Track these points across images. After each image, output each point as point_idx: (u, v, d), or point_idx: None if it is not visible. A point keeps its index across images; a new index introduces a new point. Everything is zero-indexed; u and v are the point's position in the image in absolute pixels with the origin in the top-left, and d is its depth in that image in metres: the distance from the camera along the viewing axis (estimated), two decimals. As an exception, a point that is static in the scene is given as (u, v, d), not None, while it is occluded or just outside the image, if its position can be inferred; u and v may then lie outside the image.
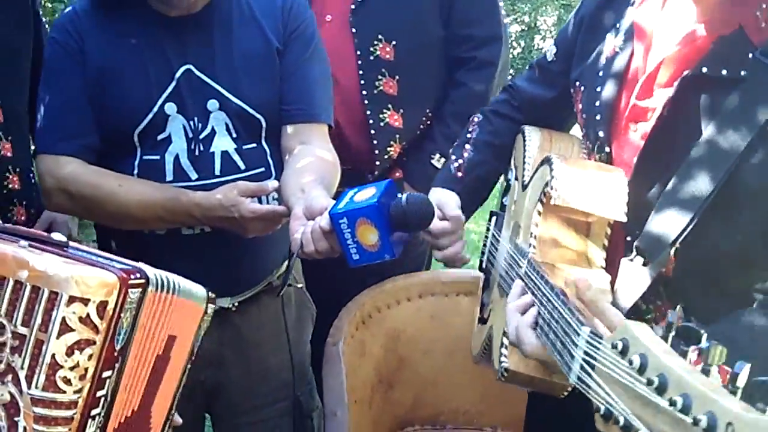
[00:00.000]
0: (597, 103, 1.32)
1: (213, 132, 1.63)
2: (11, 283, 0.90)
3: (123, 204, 1.59)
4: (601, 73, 1.33)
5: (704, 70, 1.15)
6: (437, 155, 2.22)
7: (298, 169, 1.61)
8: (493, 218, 1.64)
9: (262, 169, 1.67)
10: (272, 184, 1.60)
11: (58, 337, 0.90)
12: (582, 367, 0.89)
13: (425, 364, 1.16)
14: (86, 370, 0.92)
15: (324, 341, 1.90)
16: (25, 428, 0.89)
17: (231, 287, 1.70)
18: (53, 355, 0.90)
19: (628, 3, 1.32)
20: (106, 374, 0.95)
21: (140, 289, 0.98)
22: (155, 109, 1.60)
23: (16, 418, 0.89)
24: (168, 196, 1.58)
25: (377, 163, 2.18)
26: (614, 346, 0.78)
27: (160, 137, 1.61)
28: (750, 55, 1.12)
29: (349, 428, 1.70)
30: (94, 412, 0.94)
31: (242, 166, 1.64)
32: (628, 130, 1.25)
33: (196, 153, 1.63)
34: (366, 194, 1.37)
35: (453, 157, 1.63)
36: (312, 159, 1.64)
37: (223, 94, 1.63)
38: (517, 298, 1.16)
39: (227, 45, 1.65)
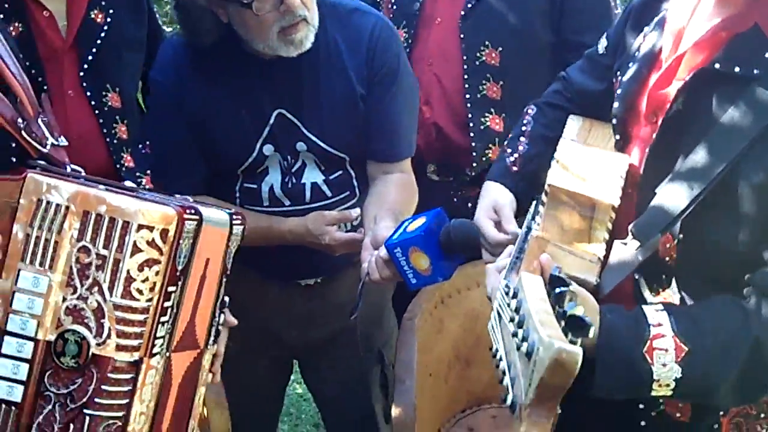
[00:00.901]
0: (619, 91, 1.37)
1: (303, 165, 1.83)
2: (93, 215, 1.14)
3: None
4: (630, 63, 1.37)
5: (717, 66, 1.18)
6: None
7: (375, 198, 1.80)
8: (533, 203, 1.65)
9: (348, 193, 1.87)
10: (355, 212, 1.80)
11: (131, 256, 1.13)
12: (494, 311, 1.05)
13: None
14: (154, 283, 1.15)
15: None
16: (109, 328, 1.13)
17: (315, 272, 1.93)
18: (128, 271, 1.13)
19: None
20: (171, 289, 1.17)
21: (195, 222, 1.20)
22: (255, 152, 1.80)
23: (102, 320, 1.13)
24: (264, 226, 1.81)
25: (474, 164, 2.26)
26: (507, 292, 0.94)
27: (259, 170, 1.82)
28: (766, 55, 1.14)
29: (415, 395, 1.85)
30: (162, 319, 1.17)
31: (329, 194, 1.85)
32: (645, 118, 1.30)
33: (289, 185, 1.83)
34: (416, 224, 1.54)
35: (508, 150, 1.65)
36: (389, 189, 1.82)
37: (310, 138, 1.79)
38: (500, 261, 1.28)
39: (315, 90, 1.78)
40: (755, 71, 1.15)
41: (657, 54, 1.32)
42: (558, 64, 2.20)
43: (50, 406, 1.14)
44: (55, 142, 1.27)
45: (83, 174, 1.25)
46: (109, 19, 2.10)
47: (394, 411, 1.86)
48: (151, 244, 1.14)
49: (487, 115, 2.26)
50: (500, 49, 2.21)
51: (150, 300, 1.15)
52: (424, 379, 1.97)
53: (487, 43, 2.21)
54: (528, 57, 2.23)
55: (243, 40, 1.73)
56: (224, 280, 1.38)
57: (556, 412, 0.90)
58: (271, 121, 1.78)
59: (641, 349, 1.11)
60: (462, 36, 2.22)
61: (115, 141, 2.10)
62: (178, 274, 1.18)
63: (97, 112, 2.06)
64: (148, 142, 2.10)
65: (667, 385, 1.11)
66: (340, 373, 2.08)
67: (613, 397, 1.18)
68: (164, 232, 1.14)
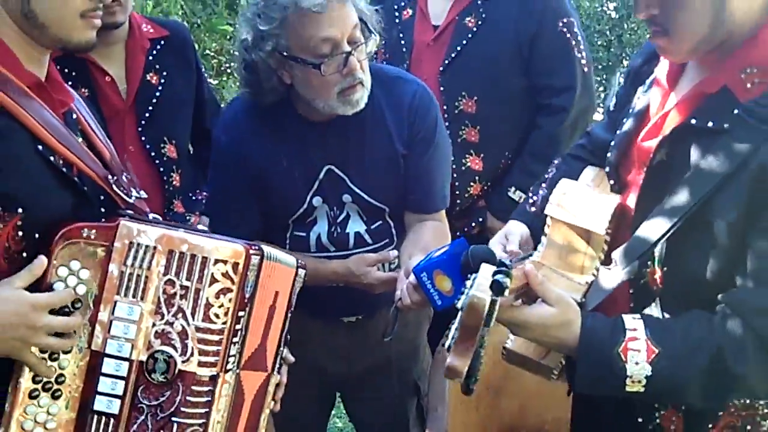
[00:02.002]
0: (613, 143, 1.56)
1: (348, 216, 2.03)
2: (177, 253, 1.35)
3: None
4: (625, 119, 1.55)
5: (693, 121, 1.36)
6: (513, 188, 2.55)
7: (410, 240, 1.99)
8: None
9: (387, 240, 2.07)
10: (393, 254, 1.99)
11: (209, 286, 1.34)
12: None
13: (530, 375, 1.46)
14: (228, 309, 1.35)
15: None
16: (192, 348, 1.33)
17: (356, 310, 2.12)
18: (207, 298, 1.34)
19: (658, 60, 1.52)
20: (240, 314, 1.38)
21: (259, 257, 1.41)
22: (305, 204, 2.00)
23: (186, 341, 1.34)
24: (311, 268, 1.90)
25: (458, 200, 2.51)
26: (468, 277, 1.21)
27: (308, 220, 2.02)
28: (735, 111, 1.31)
29: (447, 423, 1.99)
30: (234, 339, 1.38)
31: (370, 242, 2.05)
32: (637, 167, 1.48)
33: (335, 234, 2.03)
34: (440, 251, 1.72)
35: (531, 194, 1.81)
36: (423, 232, 2.01)
37: (355, 191, 1.99)
38: None
39: (361, 148, 1.97)
40: (725, 125, 1.32)
41: (647, 110, 1.51)
42: (529, 106, 2.56)
43: (143, 417, 1.34)
44: (137, 195, 1.49)
45: (161, 220, 1.47)
46: (162, 80, 2.35)
47: None
48: (226, 275, 1.35)
49: (467, 156, 2.55)
50: (475, 97, 2.50)
51: (225, 323, 1.35)
52: (456, 407, 2.09)
53: (463, 93, 2.50)
54: (501, 102, 2.52)
55: (299, 102, 1.92)
56: (289, 314, 1.57)
57: (474, 348, 1.18)
58: (321, 176, 1.98)
59: (617, 349, 1.28)
60: (442, 89, 2.51)
61: (170, 188, 2.33)
62: (245, 300, 1.39)
63: (157, 162, 2.29)
64: (205, 193, 2.32)
65: (639, 382, 1.28)
66: (381, 403, 2.24)
67: (592, 392, 1.35)
68: (235, 265, 1.35)
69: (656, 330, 1.30)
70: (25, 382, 1.31)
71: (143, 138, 2.28)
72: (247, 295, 1.39)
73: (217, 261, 1.34)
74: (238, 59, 1.96)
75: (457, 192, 2.52)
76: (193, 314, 1.34)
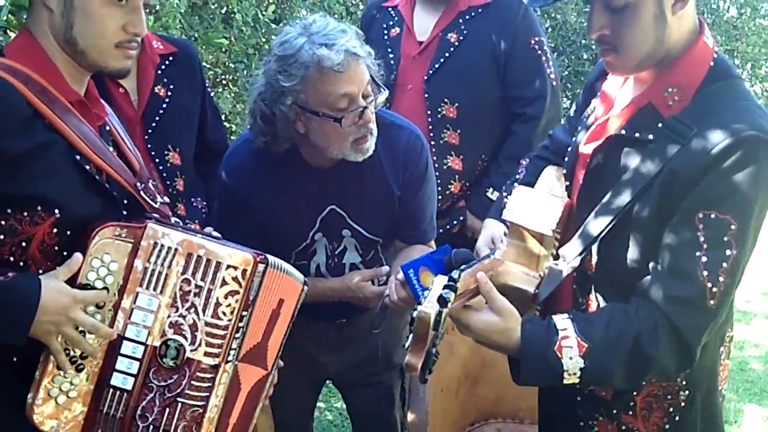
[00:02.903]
0: (569, 149, 1.82)
1: (345, 249, 2.23)
2: (194, 256, 1.57)
3: None
4: (579, 126, 1.80)
5: (623, 132, 1.60)
6: (491, 189, 2.85)
7: (400, 256, 2.21)
8: None
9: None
10: (384, 269, 2.22)
11: (220, 287, 1.56)
12: None
13: (506, 366, 1.62)
14: (234, 309, 1.57)
15: None
16: (201, 339, 1.55)
17: (348, 313, 2.32)
18: (217, 298, 1.56)
19: (606, 76, 1.76)
20: (243, 313, 1.60)
21: (264, 265, 1.63)
22: (308, 240, 2.20)
23: (195, 333, 1.56)
24: (309, 285, 2.05)
25: (440, 197, 2.73)
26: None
27: (309, 251, 2.23)
28: (659, 125, 1.55)
29: (428, 406, 2.21)
30: (236, 335, 1.60)
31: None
32: (579, 169, 1.74)
33: (332, 265, 2.24)
34: (427, 253, 1.95)
35: (505, 194, 2.03)
36: (412, 250, 2.22)
37: (354, 227, 2.19)
38: None
39: (359, 190, 2.15)
40: (650, 136, 1.55)
41: (594, 121, 1.73)
42: (504, 114, 2.88)
43: (152, 395, 1.56)
44: (162, 200, 1.71)
45: (182, 225, 1.69)
46: (169, 93, 2.55)
47: (410, 417, 2.25)
48: (235, 279, 1.57)
49: (448, 157, 2.85)
50: (457, 104, 2.81)
51: (230, 320, 1.58)
52: (436, 393, 2.31)
53: (446, 100, 2.81)
54: (479, 109, 2.84)
55: (306, 148, 2.09)
56: (291, 324, 1.79)
57: (426, 349, 1.44)
58: (323, 215, 2.18)
59: (553, 348, 1.51)
60: (426, 96, 2.83)
61: (174, 192, 2.53)
62: (249, 302, 1.61)
63: (161, 167, 2.49)
64: (204, 202, 2.52)
65: (575, 374, 1.52)
66: (371, 390, 2.44)
67: (535, 385, 1.61)
68: (244, 271, 1.58)
69: (583, 327, 1.53)
70: (62, 350, 1.51)
71: (149, 145, 2.48)
72: (251, 297, 1.61)
73: (228, 266, 1.57)
74: (253, 110, 2.08)
75: (439, 190, 2.72)
76: (203, 310, 1.56)
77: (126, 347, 1.56)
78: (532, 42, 2.85)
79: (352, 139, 2.00)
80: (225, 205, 2.24)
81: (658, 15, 1.53)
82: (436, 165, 2.80)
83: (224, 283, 1.56)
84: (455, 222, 2.93)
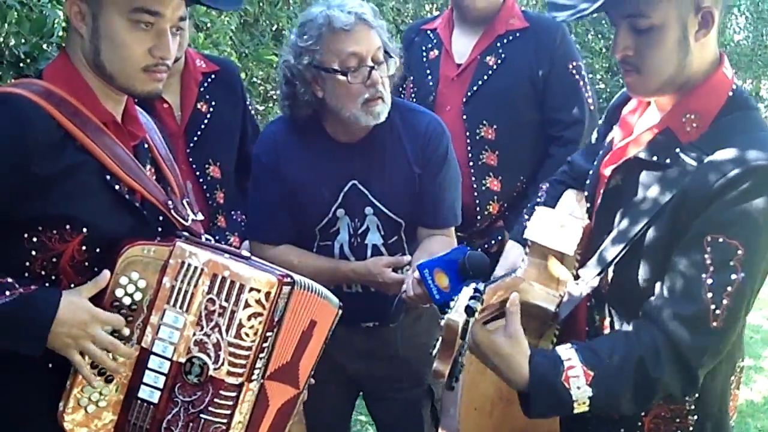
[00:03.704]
0: (591, 172, 1.85)
1: (367, 229, 2.33)
2: (219, 277, 1.61)
3: (302, 272, 2.18)
4: (601, 151, 1.84)
5: (642, 155, 1.64)
6: None
7: (420, 249, 2.28)
8: None
9: (400, 254, 2.34)
10: (406, 258, 2.29)
11: (243, 309, 1.60)
12: None
13: None
14: (257, 330, 1.61)
15: None
16: (224, 358, 1.60)
17: (372, 315, 2.38)
18: (240, 319, 1.60)
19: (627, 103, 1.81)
20: (268, 334, 1.64)
21: (290, 287, 1.67)
22: (330, 214, 2.31)
23: (219, 352, 1.60)
24: (332, 267, 2.31)
25: (478, 217, 2.85)
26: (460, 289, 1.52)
27: (332, 230, 2.33)
28: (676, 150, 1.59)
29: (458, 422, 2.18)
30: (261, 355, 1.64)
31: (386, 254, 2.34)
32: (598, 191, 1.77)
33: (355, 245, 2.33)
34: (444, 254, 1.98)
35: (526, 217, 2.07)
36: (432, 242, 2.30)
37: (375, 204, 2.30)
38: None
39: (381, 167, 2.30)
40: (667, 160, 1.60)
41: (614, 143, 1.77)
42: (542, 136, 2.92)
43: (177, 409, 1.61)
44: (194, 218, 1.76)
45: (212, 242, 1.74)
46: (211, 109, 2.63)
47: None
48: (258, 302, 1.61)
49: (486, 178, 2.90)
50: (495, 126, 2.86)
51: (253, 341, 1.62)
52: (469, 412, 2.26)
53: (484, 122, 2.86)
54: (518, 131, 2.88)
55: (329, 121, 2.25)
56: (324, 346, 1.83)
57: (453, 357, 1.47)
58: (346, 190, 2.29)
59: (560, 379, 1.54)
60: (465, 117, 2.88)
61: (214, 204, 2.60)
62: (274, 323, 1.65)
63: (201, 180, 2.57)
64: (244, 216, 2.59)
65: (584, 403, 1.54)
66: (397, 404, 2.50)
67: (546, 417, 1.63)
68: (267, 294, 1.62)
69: (587, 355, 1.56)
70: (86, 364, 1.57)
71: (191, 159, 2.56)
72: (276, 318, 1.65)
73: (251, 289, 1.60)
74: (280, 76, 2.29)
75: (477, 210, 2.87)
76: (227, 330, 1.60)
77: (153, 362, 1.61)
78: (570, 66, 2.88)
79: (362, 100, 2.17)
80: (255, 176, 2.39)
81: (682, 40, 1.57)
82: (475, 185, 2.85)
83: (247, 305, 1.60)
84: (493, 242, 2.96)
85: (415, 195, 2.30)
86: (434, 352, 1.50)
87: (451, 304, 1.52)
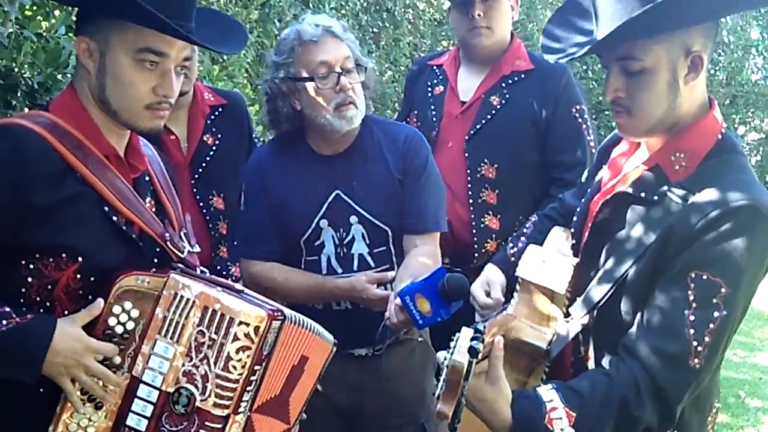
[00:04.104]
0: (578, 209, 1.90)
1: (353, 239, 2.38)
2: (210, 310, 1.65)
3: (289, 290, 2.39)
4: (589, 189, 1.90)
5: (629, 190, 1.69)
6: None
7: (403, 267, 2.33)
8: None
9: (388, 266, 2.40)
10: (390, 274, 2.33)
11: (232, 342, 1.63)
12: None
13: None
14: (245, 363, 1.64)
15: None
16: (211, 390, 1.63)
17: (363, 341, 2.40)
18: (228, 352, 1.63)
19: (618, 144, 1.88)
20: (256, 368, 1.67)
21: (280, 322, 1.70)
22: (313, 225, 2.37)
23: (206, 384, 1.63)
24: (318, 284, 2.36)
25: (476, 255, 2.87)
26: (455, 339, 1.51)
27: (316, 243, 2.39)
28: (664, 187, 1.64)
29: None
30: (248, 388, 1.67)
31: (373, 265, 2.40)
32: (586, 225, 1.82)
33: (341, 255, 2.38)
34: (423, 277, 2.03)
35: (510, 245, 2.16)
36: (415, 260, 2.34)
37: (360, 212, 2.37)
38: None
39: (363, 175, 2.38)
40: (654, 197, 1.64)
41: (603, 182, 1.82)
42: (542, 177, 2.95)
43: (163, 438, 1.64)
44: (191, 249, 1.81)
45: (207, 274, 1.78)
46: (217, 141, 2.69)
47: None
48: (247, 336, 1.65)
49: (486, 216, 2.92)
50: (496, 165, 2.89)
51: (241, 374, 1.65)
52: None
53: (485, 160, 2.89)
54: (518, 171, 2.91)
55: (311, 135, 2.38)
56: (318, 380, 1.86)
57: (456, 398, 1.48)
58: (330, 200, 2.37)
59: (543, 421, 1.55)
60: (466, 155, 2.91)
61: (216, 235, 2.65)
62: (263, 357, 1.68)
63: (204, 211, 2.62)
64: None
65: None
66: None
67: None
68: (256, 329, 1.65)
69: (568, 396, 1.58)
70: (75, 391, 1.62)
71: (195, 190, 2.62)
72: (265, 353, 1.68)
73: (241, 323, 1.64)
74: (262, 94, 2.44)
75: (476, 247, 2.88)
76: (215, 362, 1.64)
77: (142, 390, 1.65)
78: (574, 110, 2.92)
79: (334, 105, 2.31)
80: (246, 195, 2.49)
81: (672, 83, 1.63)
82: (474, 223, 2.88)
83: (236, 338, 1.64)
84: None
85: (398, 201, 2.38)
86: (437, 393, 1.53)
87: (452, 344, 1.55)
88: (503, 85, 2.94)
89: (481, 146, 2.89)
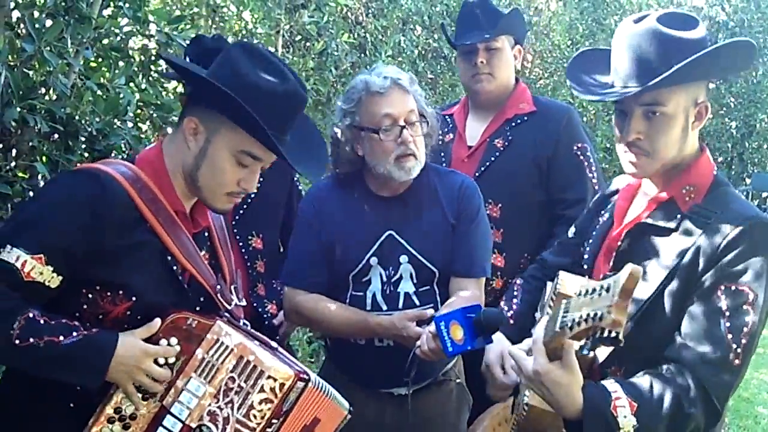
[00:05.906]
0: (587, 246, 2.10)
1: (401, 278, 2.47)
2: (244, 359, 1.82)
3: (332, 324, 2.47)
4: (590, 239, 2.11)
5: (649, 220, 1.91)
6: None
7: (447, 305, 2.38)
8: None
9: (432, 305, 2.42)
10: (430, 311, 2.34)
11: (257, 393, 1.80)
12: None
13: None
14: (265, 415, 1.80)
15: None
16: (229, 432, 1.79)
17: (402, 380, 2.41)
18: (252, 401, 1.80)
19: (615, 194, 2.10)
20: (274, 421, 1.82)
21: (304, 383, 1.85)
22: (364, 261, 2.47)
23: (226, 426, 1.79)
24: (360, 319, 2.41)
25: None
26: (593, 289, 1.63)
27: (364, 279, 2.48)
28: (679, 216, 1.87)
29: None
30: (263, 436, 1.83)
31: (418, 303, 2.46)
32: (603, 257, 2.00)
33: (387, 293, 2.46)
34: (461, 307, 2.14)
35: (505, 308, 2.32)
36: (460, 299, 2.39)
37: (411, 252, 2.47)
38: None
39: (418, 218, 2.48)
40: (672, 225, 1.87)
41: (611, 224, 2.04)
42: (546, 215, 3.08)
43: (180, 469, 1.79)
44: (238, 303, 1.98)
45: (249, 327, 1.94)
46: (258, 185, 2.84)
47: None
48: (272, 390, 1.81)
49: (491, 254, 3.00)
50: (500, 204, 3.04)
51: (259, 424, 1.80)
52: None
53: (490, 200, 3.01)
54: (522, 211, 3.04)
55: (370, 177, 2.49)
56: None
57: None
58: (382, 239, 2.47)
59: (609, 408, 1.70)
60: None
61: (254, 273, 2.81)
62: (282, 412, 1.83)
63: (243, 250, 2.78)
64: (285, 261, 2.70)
65: (629, 431, 1.69)
66: None
67: None
68: (282, 385, 1.81)
69: (630, 389, 1.74)
70: (108, 409, 1.78)
71: (235, 230, 2.78)
72: (285, 408, 1.83)
73: (269, 377, 1.80)
74: (328, 137, 2.53)
75: None
76: (239, 408, 1.80)
77: (168, 420, 1.81)
78: (575, 148, 3.06)
79: (395, 156, 2.40)
80: (298, 226, 2.60)
81: (685, 127, 1.87)
82: None
83: (262, 390, 1.80)
84: None
85: (449, 244, 2.47)
86: (605, 313, 1.54)
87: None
88: (507, 128, 3.10)
89: (485, 187, 2.90)
